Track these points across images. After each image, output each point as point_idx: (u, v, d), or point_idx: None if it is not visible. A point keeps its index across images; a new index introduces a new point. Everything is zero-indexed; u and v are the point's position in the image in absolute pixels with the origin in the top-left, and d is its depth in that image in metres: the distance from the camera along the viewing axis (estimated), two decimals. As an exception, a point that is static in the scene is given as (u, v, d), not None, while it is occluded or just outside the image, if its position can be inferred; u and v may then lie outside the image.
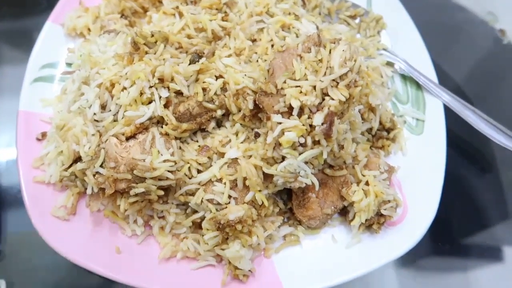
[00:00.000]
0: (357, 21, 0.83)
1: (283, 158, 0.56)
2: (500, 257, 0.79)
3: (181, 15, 0.73)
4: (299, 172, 0.57)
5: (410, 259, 0.75)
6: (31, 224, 0.60)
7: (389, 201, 0.62)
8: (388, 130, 0.71)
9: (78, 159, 0.62)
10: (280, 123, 0.55)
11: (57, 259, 0.66)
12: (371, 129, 0.69)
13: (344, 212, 0.65)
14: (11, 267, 0.66)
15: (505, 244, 0.80)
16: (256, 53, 0.69)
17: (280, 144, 0.55)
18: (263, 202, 0.59)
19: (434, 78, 0.76)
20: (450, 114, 0.74)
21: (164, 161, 0.57)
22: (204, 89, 0.63)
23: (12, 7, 0.95)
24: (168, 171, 0.57)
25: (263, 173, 0.58)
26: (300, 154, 0.56)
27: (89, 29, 0.76)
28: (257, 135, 0.61)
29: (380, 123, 0.70)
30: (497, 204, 0.83)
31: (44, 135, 0.66)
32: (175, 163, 0.58)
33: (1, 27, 0.94)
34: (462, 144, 0.84)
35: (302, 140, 0.55)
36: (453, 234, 0.79)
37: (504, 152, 0.74)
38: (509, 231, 0.81)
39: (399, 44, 0.81)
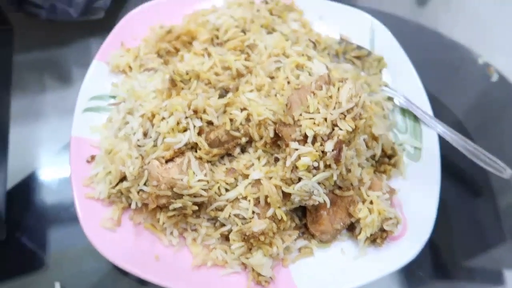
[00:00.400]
0: (361, 60, 0.94)
1: (299, 179, 0.66)
2: (502, 280, 0.84)
3: (209, 55, 0.84)
4: (313, 192, 0.66)
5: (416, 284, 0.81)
6: (78, 234, 0.70)
7: (390, 218, 0.70)
8: (390, 157, 0.80)
9: (123, 178, 0.72)
10: (297, 149, 0.65)
11: (100, 265, 0.76)
12: (374, 155, 0.78)
13: (351, 228, 0.73)
14: (62, 272, 0.75)
15: (505, 267, 0.85)
16: (274, 88, 0.79)
17: (297, 167, 0.65)
18: (282, 217, 0.68)
19: (429, 111, 0.86)
20: (444, 143, 0.83)
21: (199, 180, 0.67)
22: (231, 120, 0.73)
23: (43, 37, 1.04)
24: (202, 189, 0.67)
25: (282, 192, 0.68)
26: (314, 176, 0.65)
27: (130, 67, 0.87)
28: (276, 160, 0.71)
29: (383, 150, 0.79)
30: (494, 227, 0.89)
31: (93, 158, 0.76)
32: (208, 183, 0.68)
33: (35, 56, 1.04)
34: (456, 170, 0.92)
35: (315, 164, 0.64)
36: (454, 257, 0.85)
37: (495, 177, 0.83)
38: (507, 252, 0.87)
39: (398, 81, 0.91)
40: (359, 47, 0.95)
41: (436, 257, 0.84)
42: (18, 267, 0.77)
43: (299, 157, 0.64)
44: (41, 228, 0.80)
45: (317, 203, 0.67)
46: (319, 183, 0.66)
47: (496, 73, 1.06)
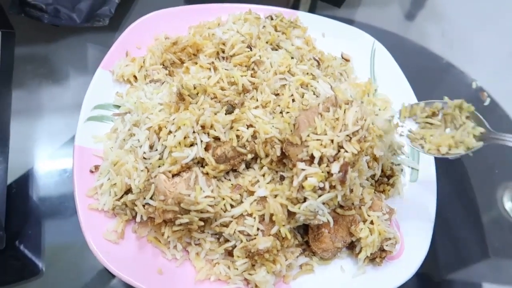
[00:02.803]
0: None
1: (305, 199, 0.67)
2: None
3: (215, 69, 0.85)
4: (317, 211, 0.68)
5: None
6: (77, 242, 0.70)
7: (390, 238, 0.73)
8: (388, 177, 0.82)
9: (128, 190, 0.72)
10: (303, 169, 0.67)
11: (98, 275, 0.76)
12: (374, 175, 0.81)
13: (351, 246, 0.75)
14: (59, 280, 0.75)
15: (485, 281, 0.89)
16: (279, 105, 0.80)
17: (303, 187, 0.66)
18: (286, 235, 0.69)
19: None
20: (439, 165, 0.86)
21: (206, 196, 0.67)
22: (237, 136, 0.74)
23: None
24: (209, 205, 0.67)
25: (287, 210, 0.69)
26: (319, 196, 0.66)
27: (135, 77, 0.87)
28: (282, 178, 0.72)
29: (382, 170, 0.81)
30: (478, 244, 0.93)
31: (96, 168, 0.76)
32: (214, 199, 0.68)
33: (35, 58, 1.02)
34: (450, 191, 0.95)
35: (321, 185, 0.66)
36: (440, 270, 0.87)
37: (482, 194, 0.86)
38: (488, 268, 0.91)
39: (397, 102, 0.93)
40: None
41: (422, 273, 0.86)
42: (14, 275, 0.76)
43: (305, 178, 0.65)
44: (40, 235, 0.79)
45: (321, 222, 0.68)
46: (323, 203, 0.67)
47: (488, 97, 1.10)
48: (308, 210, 0.67)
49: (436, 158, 0.86)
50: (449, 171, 0.86)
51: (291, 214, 0.69)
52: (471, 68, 1.18)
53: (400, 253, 0.76)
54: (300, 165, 0.67)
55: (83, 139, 0.78)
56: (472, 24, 1.32)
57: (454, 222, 0.95)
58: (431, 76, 1.15)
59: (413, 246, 0.76)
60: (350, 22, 1.22)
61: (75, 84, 1.01)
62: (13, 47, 0.94)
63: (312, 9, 1.28)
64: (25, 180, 0.86)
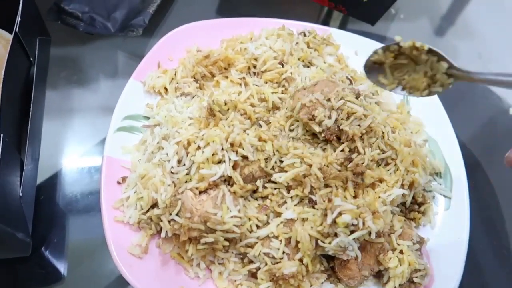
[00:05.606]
0: (395, 102, 0.94)
1: (336, 233, 0.66)
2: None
3: (246, 85, 0.85)
4: (347, 247, 0.66)
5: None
6: (100, 251, 0.72)
7: (420, 270, 0.70)
8: (420, 204, 0.79)
9: (154, 205, 0.72)
10: (339, 205, 0.65)
11: (112, 280, 0.76)
12: (405, 202, 0.78)
13: (378, 275, 0.73)
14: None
15: None
16: (309, 123, 0.79)
17: (335, 222, 0.65)
18: (307, 265, 0.67)
19: (460, 160, 0.86)
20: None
21: (232, 216, 0.66)
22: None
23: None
24: (235, 225, 0.66)
25: (316, 241, 0.67)
26: (351, 232, 0.65)
27: (165, 89, 0.87)
28: (310, 201, 0.70)
29: (413, 197, 0.79)
30: (508, 276, 0.90)
31: (124, 179, 0.76)
32: (241, 219, 0.67)
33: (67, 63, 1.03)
34: (480, 221, 0.91)
35: (354, 222, 0.64)
36: None
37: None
38: None
39: (430, 125, 0.91)
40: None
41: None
42: (37, 282, 0.76)
43: (339, 214, 0.64)
44: (64, 241, 0.80)
45: (350, 257, 0.66)
46: (354, 238, 0.65)
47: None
48: (338, 245, 0.65)
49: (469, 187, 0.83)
50: (480, 200, 0.82)
51: (318, 245, 0.67)
52: (508, 93, 1.14)
53: (430, 285, 0.72)
54: (336, 201, 0.65)
55: (112, 149, 0.79)
56: (508, 45, 1.28)
57: (483, 252, 0.91)
58: (464, 99, 1.12)
59: (444, 279, 0.73)
60: (380, 37, 1.20)
61: (105, 90, 1.02)
62: (49, 53, 0.96)
63: (343, 25, 1.26)
64: (52, 185, 0.86)
